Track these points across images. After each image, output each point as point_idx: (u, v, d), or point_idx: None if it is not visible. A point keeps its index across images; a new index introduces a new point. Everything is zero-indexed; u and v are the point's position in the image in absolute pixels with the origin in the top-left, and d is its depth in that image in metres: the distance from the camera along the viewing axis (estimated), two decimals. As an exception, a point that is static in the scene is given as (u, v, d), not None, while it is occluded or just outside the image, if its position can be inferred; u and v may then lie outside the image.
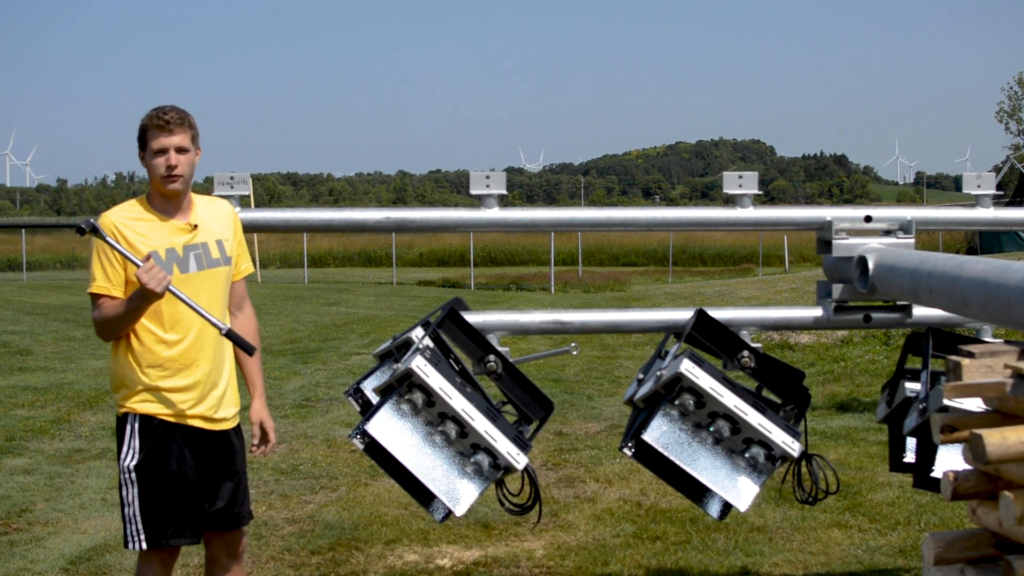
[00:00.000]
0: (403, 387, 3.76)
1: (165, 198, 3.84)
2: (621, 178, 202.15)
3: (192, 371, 3.83)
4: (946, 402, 3.37)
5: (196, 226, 3.86)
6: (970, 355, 2.78)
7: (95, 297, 3.76)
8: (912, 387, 4.34)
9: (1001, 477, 2.73)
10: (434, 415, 3.77)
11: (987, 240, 29.03)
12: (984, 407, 2.93)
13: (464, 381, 3.88)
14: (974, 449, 2.55)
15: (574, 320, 4.40)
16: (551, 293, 29.05)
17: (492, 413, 3.80)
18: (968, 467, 2.76)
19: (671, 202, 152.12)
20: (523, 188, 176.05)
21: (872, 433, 8.61)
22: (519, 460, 3.76)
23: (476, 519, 6.31)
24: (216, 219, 3.94)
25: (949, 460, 4.20)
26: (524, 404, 4.12)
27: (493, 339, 4.22)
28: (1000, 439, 2.52)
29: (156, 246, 3.75)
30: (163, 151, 3.75)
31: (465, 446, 3.77)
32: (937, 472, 4.26)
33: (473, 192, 4.34)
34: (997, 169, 53.34)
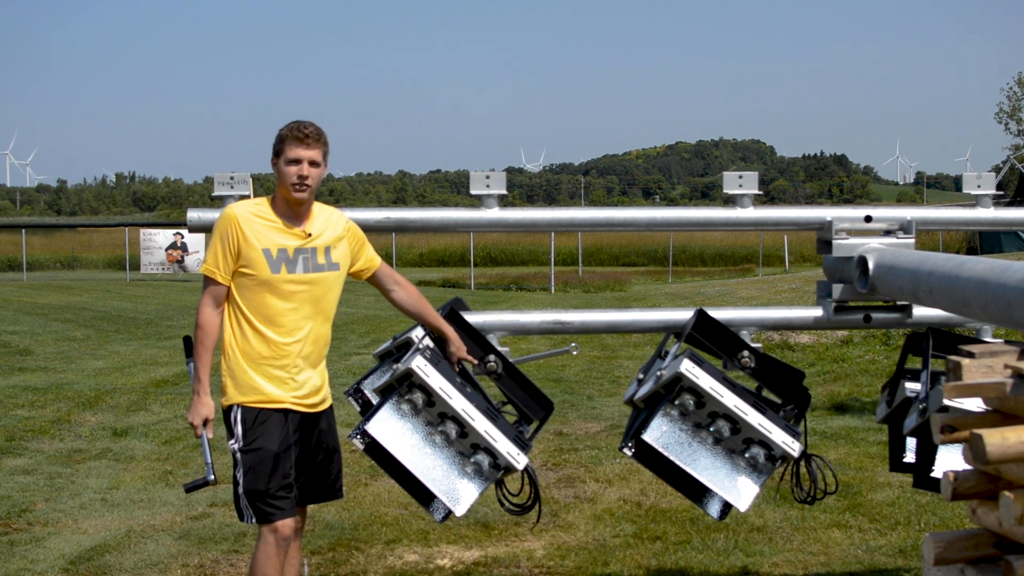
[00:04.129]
0: (403, 387, 3.76)
1: (288, 204, 4.07)
2: (621, 178, 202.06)
3: (292, 363, 4.08)
4: (946, 402, 3.37)
5: (310, 234, 4.08)
6: (970, 355, 2.78)
7: (204, 278, 4.09)
8: (912, 387, 4.34)
9: (1001, 477, 2.73)
10: (434, 415, 3.77)
11: (987, 240, 29.04)
12: (984, 407, 2.94)
13: (464, 381, 3.88)
14: (974, 449, 2.55)
15: (574, 320, 4.40)
16: (551, 293, 29.05)
17: (492, 413, 3.81)
18: (968, 467, 2.76)
19: (671, 202, 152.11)
20: (523, 188, 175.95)
21: (872, 433, 8.61)
22: (519, 460, 3.76)
23: (476, 519, 6.31)
24: (330, 229, 4.15)
25: (949, 460, 4.20)
26: (524, 404, 4.12)
27: (493, 339, 4.22)
28: (1000, 439, 2.52)
29: (269, 245, 4.01)
30: (297, 161, 4.01)
31: (465, 446, 3.78)
32: (937, 472, 4.27)
33: (473, 192, 4.34)
34: (997, 169, 53.34)
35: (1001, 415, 2.79)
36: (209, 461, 4.03)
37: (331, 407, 4.33)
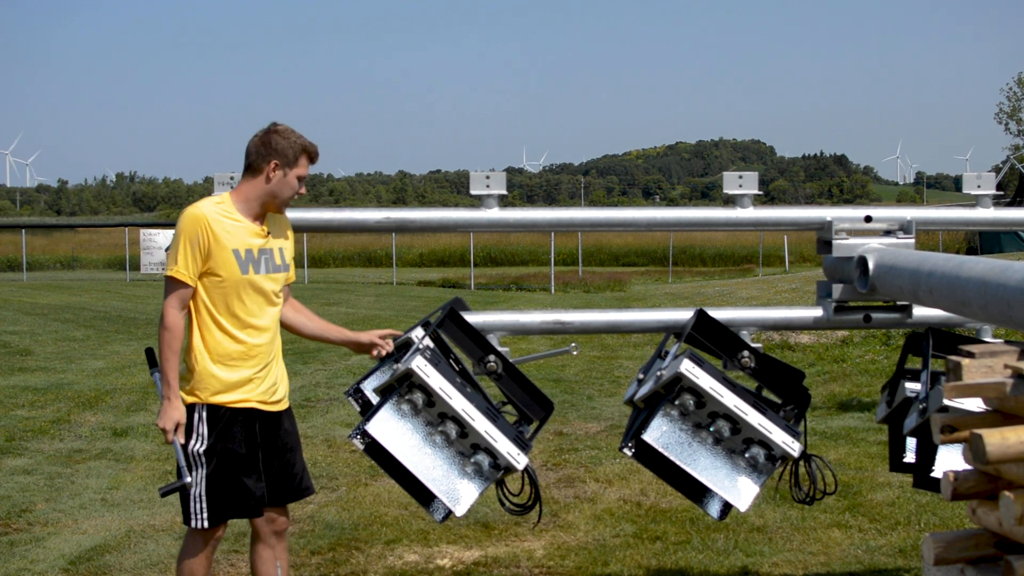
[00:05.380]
0: (403, 387, 3.76)
1: (260, 206, 4.07)
2: (621, 178, 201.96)
3: (257, 363, 4.09)
4: (946, 402, 3.37)
5: (268, 233, 4.11)
6: (970, 355, 2.78)
7: (171, 281, 3.98)
8: (912, 387, 4.34)
9: (1001, 477, 2.73)
10: (434, 415, 3.77)
11: (987, 240, 29.04)
12: (984, 407, 2.94)
13: (464, 381, 3.88)
14: (974, 449, 2.55)
15: (574, 320, 4.40)
16: (551, 293, 29.05)
17: (492, 413, 3.80)
18: (968, 467, 2.76)
19: (671, 202, 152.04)
20: (523, 188, 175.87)
21: (872, 433, 8.61)
22: (519, 460, 3.76)
23: (476, 519, 6.31)
24: (279, 229, 4.19)
25: (949, 460, 4.20)
26: (524, 404, 4.12)
27: (493, 339, 4.22)
28: (1000, 439, 2.52)
29: (237, 245, 4.00)
30: (303, 179, 4.11)
31: (465, 446, 3.77)
32: (937, 472, 4.26)
33: (473, 192, 4.34)
34: (997, 169, 53.31)
35: (1001, 415, 2.79)
36: (183, 464, 3.99)
37: (290, 407, 4.33)
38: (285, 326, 4.37)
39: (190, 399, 4.02)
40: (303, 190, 4.10)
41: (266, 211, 4.10)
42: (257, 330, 4.07)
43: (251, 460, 4.07)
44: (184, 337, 4.02)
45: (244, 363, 4.04)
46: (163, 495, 4.05)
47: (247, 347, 4.04)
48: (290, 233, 4.26)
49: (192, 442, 4.00)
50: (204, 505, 4.01)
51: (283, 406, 4.24)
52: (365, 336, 4.25)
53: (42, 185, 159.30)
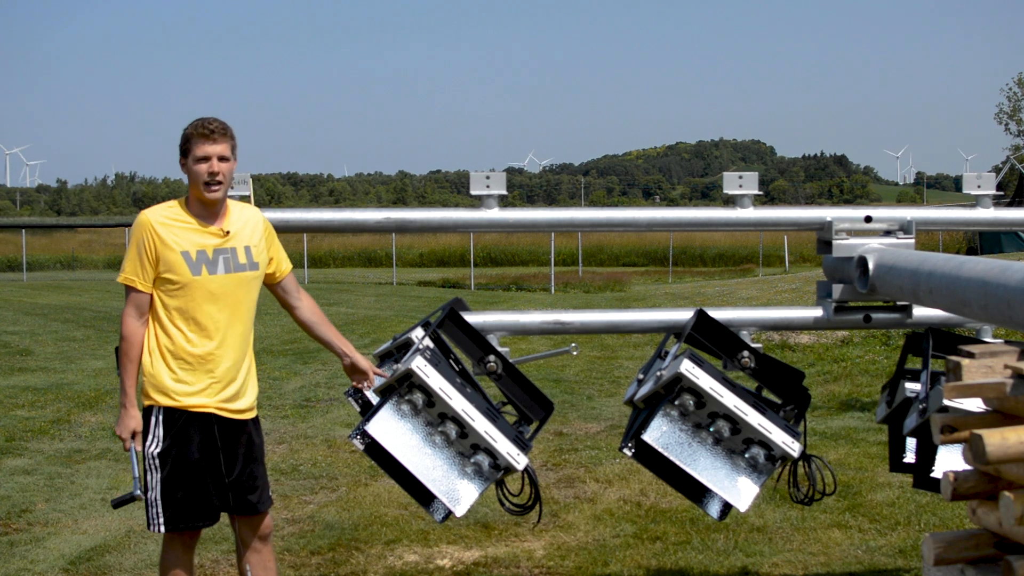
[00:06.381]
0: (403, 387, 3.76)
1: (203, 204, 4.01)
2: (621, 178, 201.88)
3: (216, 366, 4.01)
4: (946, 402, 3.38)
5: (228, 232, 4.03)
6: (970, 355, 2.78)
7: (125, 288, 3.98)
8: (912, 387, 4.34)
9: (1001, 477, 2.73)
10: (434, 415, 3.77)
11: (987, 240, 29.03)
12: (984, 407, 2.94)
13: (464, 381, 3.88)
14: (974, 449, 2.55)
15: (574, 320, 4.40)
16: (551, 293, 29.05)
17: (492, 413, 3.81)
18: (968, 467, 2.76)
19: (671, 202, 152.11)
20: (523, 188, 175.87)
21: (872, 433, 8.61)
22: (519, 460, 3.77)
23: (476, 519, 6.31)
24: (247, 226, 4.11)
25: (949, 460, 4.20)
26: (524, 404, 4.12)
27: (493, 339, 4.22)
28: (1000, 439, 2.52)
29: (188, 247, 3.94)
30: (206, 159, 3.95)
31: (465, 446, 3.78)
32: (937, 472, 4.27)
33: (473, 192, 4.34)
34: (997, 169, 53.31)
35: (1001, 415, 2.79)
36: (137, 475, 3.95)
37: (257, 417, 4.24)
38: (298, 323, 4.37)
39: (148, 402, 4.00)
40: (215, 167, 3.94)
41: (210, 206, 4.00)
42: (215, 332, 3.99)
43: (207, 466, 4.01)
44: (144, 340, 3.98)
45: (201, 366, 3.97)
46: (115, 507, 4.00)
47: (204, 350, 3.97)
48: (263, 230, 4.15)
49: (148, 444, 3.97)
50: (159, 510, 3.97)
51: (249, 415, 4.15)
52: (365, 362, 4.22)
53: (42, 185, 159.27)
